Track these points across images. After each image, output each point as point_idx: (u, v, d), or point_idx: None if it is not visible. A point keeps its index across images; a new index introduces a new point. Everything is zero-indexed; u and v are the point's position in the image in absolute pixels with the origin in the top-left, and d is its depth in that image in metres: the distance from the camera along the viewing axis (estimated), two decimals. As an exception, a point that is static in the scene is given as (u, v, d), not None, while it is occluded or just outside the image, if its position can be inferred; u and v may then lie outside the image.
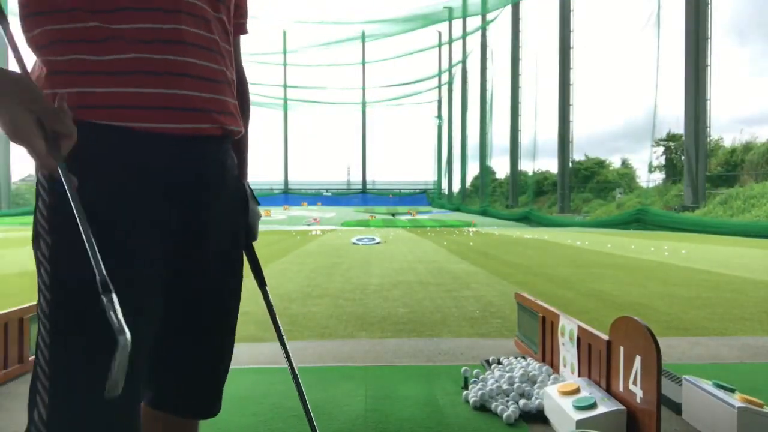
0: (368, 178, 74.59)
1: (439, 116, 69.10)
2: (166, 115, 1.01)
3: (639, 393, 1.99)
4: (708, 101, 28.06)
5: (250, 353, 3.51)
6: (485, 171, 51.79)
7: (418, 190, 73.67)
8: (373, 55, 64.32)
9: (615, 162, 47.66)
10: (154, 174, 1.01)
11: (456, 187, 63.08)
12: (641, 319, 2.05)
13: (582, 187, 43.11)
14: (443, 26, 56.27)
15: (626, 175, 44.89)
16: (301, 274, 7.81)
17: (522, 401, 2.43)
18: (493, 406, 2.43)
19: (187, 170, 1.06)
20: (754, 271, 8.24)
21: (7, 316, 2.84)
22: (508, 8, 41.93)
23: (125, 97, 0.98)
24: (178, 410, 1.19)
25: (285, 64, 63.46)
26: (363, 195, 71.56)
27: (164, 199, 1.02)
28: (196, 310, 1.13)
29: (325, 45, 59.35)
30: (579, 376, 2.48)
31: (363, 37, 61.75)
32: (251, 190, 1.33)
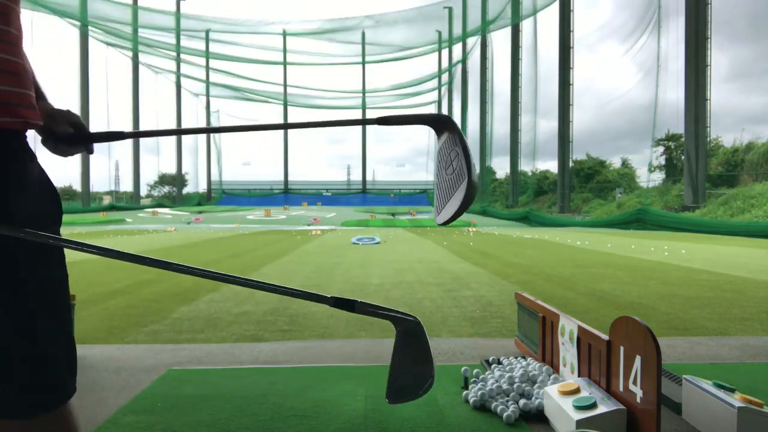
0: (368, 178, 74.66)
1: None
2: None
3: (639, 393, 1.99)
4: (708, 101, 28.05)
5: (250, 353, 3.51)
6: (485, 171, 51.77)
7: (418, 190, 73.62)
8: (373, 56, 64.27)
9: (616, 162, 47.74)
10: None
11: (456, 187, 62.96)
12: (641, 319, 2.05)
13: (582, 187, 43.13)
14: (443, 26, 56.28)
15: (626, 174, 44.92)
16: (301, 274, 7.81)
17: (522, 401, 2.43)
18: (493, 406, 2.43)
19: None
20: (754, 271, 8.24)
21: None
22: (508, 7, 41.94)
23: None
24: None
25: (285, 63, 63.44)
26: (363, 195, 71.53)
27: None
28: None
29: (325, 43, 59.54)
30: (579, 376, 2.48)
31: (363, 37, 61.73)
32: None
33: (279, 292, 1.26)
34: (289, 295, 1.29)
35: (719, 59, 59.30)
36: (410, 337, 1.28)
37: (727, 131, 69.87)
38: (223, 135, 69.05)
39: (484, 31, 48.94)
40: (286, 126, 1.63)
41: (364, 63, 65.32)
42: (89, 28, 44.74)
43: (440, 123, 1.35)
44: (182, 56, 56.73)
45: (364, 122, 1.46)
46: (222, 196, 68.81)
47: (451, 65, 60.87)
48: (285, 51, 62.96)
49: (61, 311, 1.15)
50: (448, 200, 1.28)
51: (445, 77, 64.09)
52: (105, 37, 46.48)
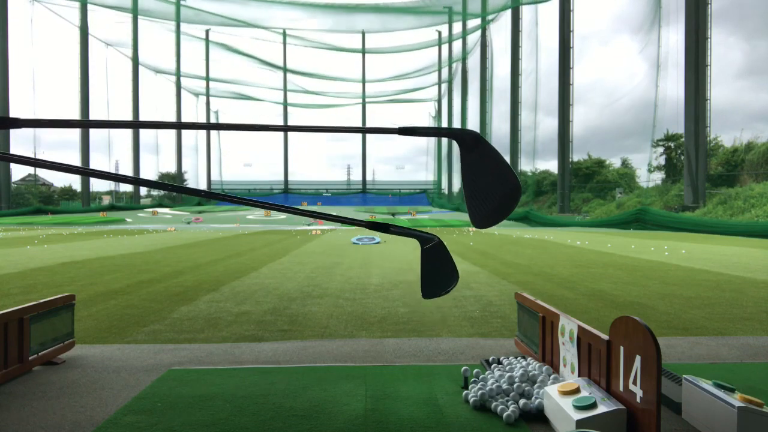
0: (368, 178, 74.68)
1: (439, 115, 69.12)
2: None
3: (639, 393, 1.99)
4: (708, 101, 28.06)
5: (250, 353, 3.51)
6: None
7: (418, 190, 73.67)
8: (372, 54, 64.33)
9: (616, 162, 47.74)
10: None
11: (456, 187, 63.06)
12: (641, 319, 2.05)
13: (582, 187, 43.12)
14: (443, 25, 56.23)
15: (626, 174, 44.92)
16: (301, 274, 7.81)
17: (522, 401, 2.43)
18: (493, 405, 2.43)
19: None
20: (754, 271, 8.24)
21: (7, 317, 2.84)
22: (508, 4, 41.91)
23: None
24: None
25: (285, 66, 63.42)
26: (363, 195, 71.56)
27: None
28: None
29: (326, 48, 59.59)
30: (579, 375, 2.48)
31: (363, 37, 61.74)
32: None
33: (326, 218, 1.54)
34: (334, 221, 1.57)
35: (734, 56, 58.61)
36: (435, 252, 1.69)
37: (735, 129, 69.66)
38: (224, 135, 69.09)
39: (484, 30, 48.94)
40: (293, 129, 1.80)
41: (363, 61, 65.40)
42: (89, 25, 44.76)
43: (468, 138, 1.57)
44: (182, 54, 56.71)
45: (385, 131, 1.57)
46: (222, 196, 68.80)
47: (451, 63, 60.86)
48: (285, 50, 63.03)
49: None
50: (488, 207, 1.49)
51: (445, 76, 64.11)
52: (105, 33, 46.52)
